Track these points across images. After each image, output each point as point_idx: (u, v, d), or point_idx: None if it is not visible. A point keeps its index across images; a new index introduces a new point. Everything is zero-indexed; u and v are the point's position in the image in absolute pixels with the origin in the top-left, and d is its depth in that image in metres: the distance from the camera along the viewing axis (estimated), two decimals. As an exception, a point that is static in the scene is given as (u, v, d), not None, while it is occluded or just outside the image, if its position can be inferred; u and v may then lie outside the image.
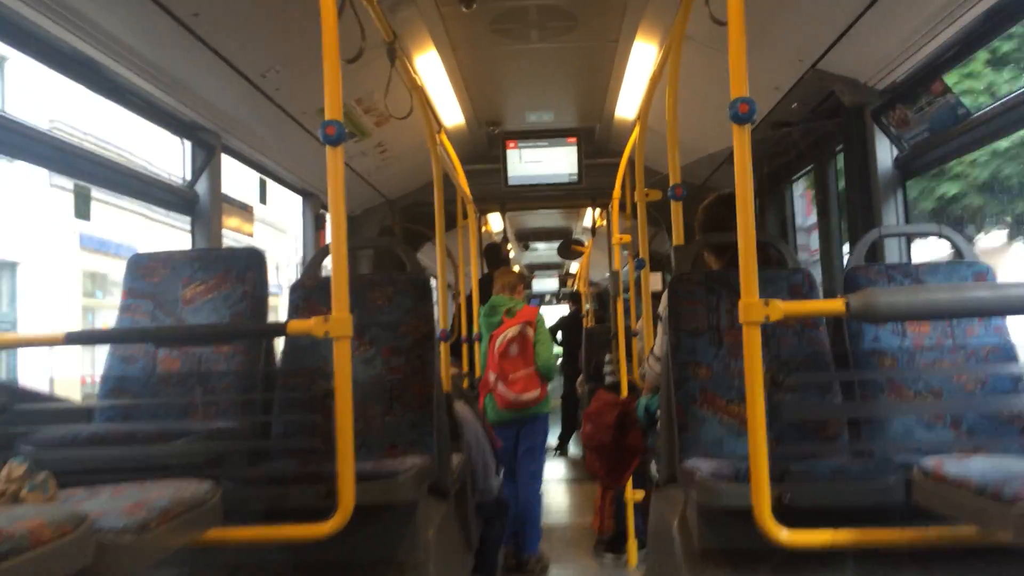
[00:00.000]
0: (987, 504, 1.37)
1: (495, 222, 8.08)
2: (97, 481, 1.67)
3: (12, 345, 1.94)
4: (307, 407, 2.41)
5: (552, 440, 8.42)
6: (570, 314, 9.41)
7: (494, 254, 6.27)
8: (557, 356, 4.53)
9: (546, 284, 14.98)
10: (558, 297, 14.77)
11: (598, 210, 6.93)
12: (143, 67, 2.96)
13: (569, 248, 9.06)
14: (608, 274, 5.35)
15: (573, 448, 9.29)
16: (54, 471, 1.51)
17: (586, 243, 8.57)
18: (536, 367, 4.47)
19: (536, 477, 4.50)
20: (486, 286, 5.19)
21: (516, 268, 9.20)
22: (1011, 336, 2.42)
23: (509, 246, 8.21)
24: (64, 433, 2.06)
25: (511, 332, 4.26)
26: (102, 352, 2.58)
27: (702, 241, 2.84)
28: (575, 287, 10.92)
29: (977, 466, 1.49)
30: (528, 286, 12.95)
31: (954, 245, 2.62)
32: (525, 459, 4.45)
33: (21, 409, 2.05)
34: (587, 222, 8.03)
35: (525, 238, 10.66)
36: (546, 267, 13.86)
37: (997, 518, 1.34)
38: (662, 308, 2.87)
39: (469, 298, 5.08)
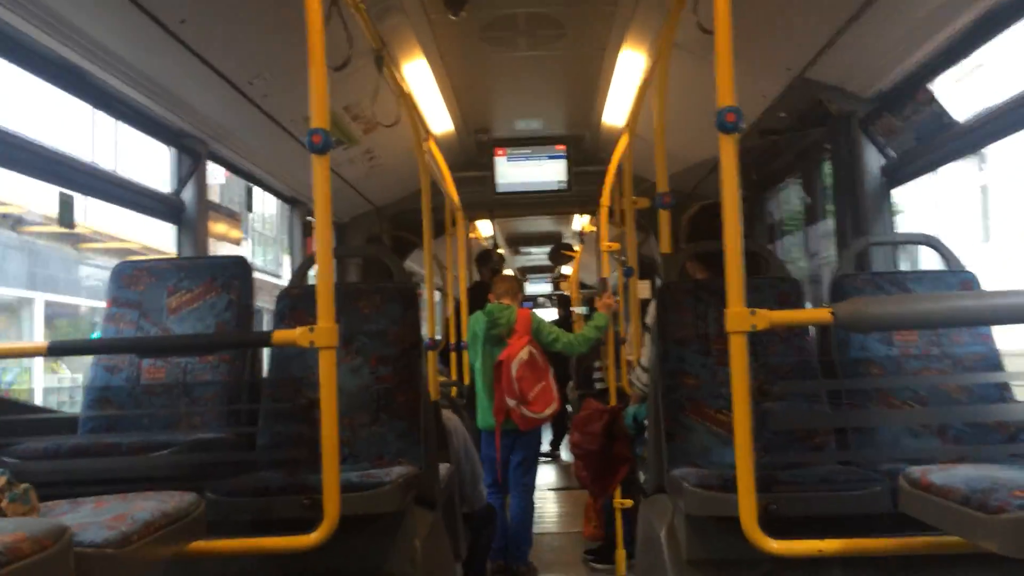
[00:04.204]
0: (972, 514, 1.37)
1: (484, 228, 8.06)
2: (80, 493, 1.65)
3: None
4: (293, 417, 2.39)
5: (544, 446, 8.38)
6: (560, 318, 9.40)
7: (487, 261, 6.23)
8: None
9: (538, 287, 15.02)
10: (551, 300, 14.81)
11: (587, 217, 6.92)
12: (129, 74, 2.94)
13: (559, 253, 9.06)
14: (597, 280, 5.34)
15: (565, 455, 9.27)
16: (36, 483, 1.49)
17: (576, 248, 8.58)
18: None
19: (530, 488, 4.47)
20: (476, 293, 5.13)
21: (510, 272, 9.20)
22: (997, 344, 2.43)
23: (500, 251, 8.19)
24: (47, 444, 2.04)
25: (523, 356, 4.17)
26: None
27: (689, 251, 2.84)
28: (567, 291, 10.92)
29: (962, 475, 1.48)
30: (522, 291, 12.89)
31: (941, 254, 2.63)
32: (519, 470, 4.41)
33: (2, 420, 2.03)
34: (576, 226, 8.04)
35: (516, 243, 10.66)
36: (538, 270, 13.89)
37: (983, 528, 1.34)
38: (649, 318, 2.87)
39: (458, 305, 5.05)
